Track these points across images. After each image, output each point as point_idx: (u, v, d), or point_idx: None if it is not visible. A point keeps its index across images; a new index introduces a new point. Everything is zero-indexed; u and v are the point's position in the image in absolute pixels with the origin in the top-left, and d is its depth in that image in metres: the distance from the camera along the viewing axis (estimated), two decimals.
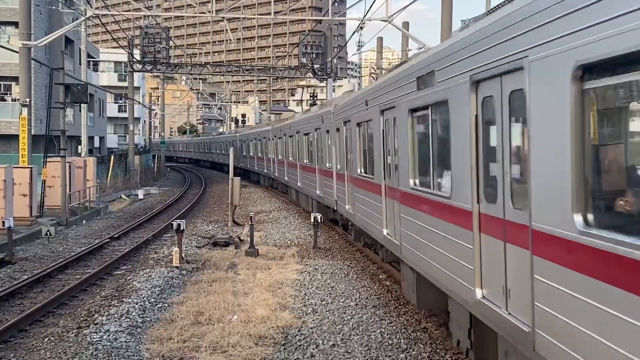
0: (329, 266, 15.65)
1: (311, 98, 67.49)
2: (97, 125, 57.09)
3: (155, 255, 17.58)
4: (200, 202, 34.92)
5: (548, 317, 5.39)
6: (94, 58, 59.87)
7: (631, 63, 4.28)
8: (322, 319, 11.11)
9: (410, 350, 9.40)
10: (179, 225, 16.36)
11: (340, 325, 10.71)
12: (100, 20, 36.94)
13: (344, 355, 9.29)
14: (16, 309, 12.51)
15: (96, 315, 11.32)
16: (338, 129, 17.93)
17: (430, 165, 8.97)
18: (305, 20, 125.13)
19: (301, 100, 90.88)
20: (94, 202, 30.47)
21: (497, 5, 7.21)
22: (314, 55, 45.79)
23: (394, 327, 10.52)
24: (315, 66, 45.47)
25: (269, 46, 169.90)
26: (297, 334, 10.22)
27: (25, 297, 13.49)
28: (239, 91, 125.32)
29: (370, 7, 27.13)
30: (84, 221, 26.30)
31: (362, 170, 14.81)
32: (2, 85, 41.70)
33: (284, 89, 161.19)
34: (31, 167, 23.65)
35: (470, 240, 7.23)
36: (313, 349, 9.50)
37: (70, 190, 26.13)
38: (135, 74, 53.66)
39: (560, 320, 5.18)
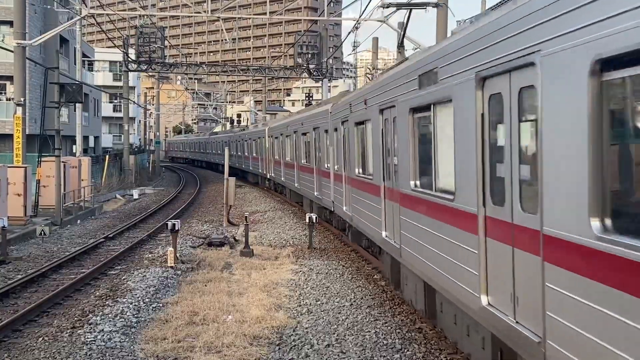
0: (324, 266, 15.66)
1: (307, 98, 67.50)
2: (92, 125, 56.98)
3: (150, 255, 17.55)
4: (195, 202, 34.88)
5: None
6: (89, 57, 59.80)
7: None
8: (316, 319, 11.11)
9: (405, 351, 9.41)
10: (174, 225, 16.34)
11: (335, 326, 10.70)
12: (95, 20, 36.82)
13: (338, 355, 9.29)
14: (10, 308, 12.46)
15: (90, 315, 11.30)
16: None
17: None
18: (300, 20, 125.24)
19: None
20: (89, 202, 30.41)
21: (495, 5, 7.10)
22: (309, 55, 45.75)
23: (389, 327, 10.53)
24: (311, 66, 45.44)
25: (265, 46, 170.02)
26: (292, 334, 10.22)
27: (20, 296, 13.45)
28: (235, 91, 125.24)
29: (366, 7, 27.24)
30: (78, 221, 26.24)
31: None
32: None
33: (280, 89, 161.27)
34: (25, 167, 23.57)
35: None
36: (308, 349, 9.50)
37: (64, 190, 26.07)
38: (130, 74, 53.61)
39: None
